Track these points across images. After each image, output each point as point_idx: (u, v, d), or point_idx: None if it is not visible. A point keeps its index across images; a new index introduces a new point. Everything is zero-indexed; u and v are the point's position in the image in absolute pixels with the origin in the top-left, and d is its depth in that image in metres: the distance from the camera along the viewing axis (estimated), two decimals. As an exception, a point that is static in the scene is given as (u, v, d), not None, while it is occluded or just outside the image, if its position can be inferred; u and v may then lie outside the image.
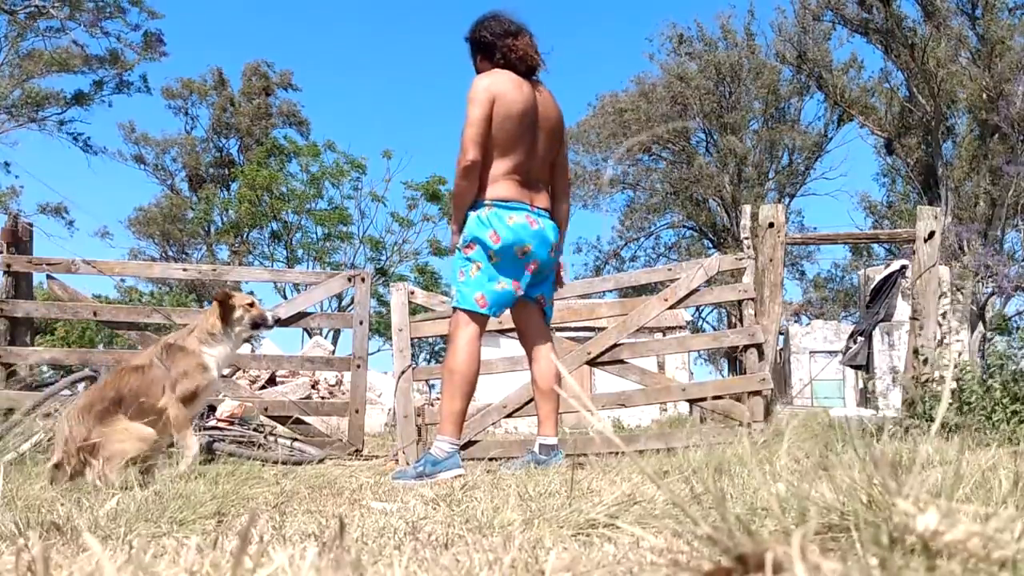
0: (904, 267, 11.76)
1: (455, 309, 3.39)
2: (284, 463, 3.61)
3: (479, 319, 3.37)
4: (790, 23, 28.99)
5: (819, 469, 1.33)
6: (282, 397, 7.34)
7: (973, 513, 0.85)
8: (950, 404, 4.65)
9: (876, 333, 13.93)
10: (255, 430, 4.68)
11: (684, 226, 33.37)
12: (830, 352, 21.19)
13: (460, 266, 3.39)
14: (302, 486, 2.64)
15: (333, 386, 9.21)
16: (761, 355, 4.87)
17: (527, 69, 3.42)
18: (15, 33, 25.24)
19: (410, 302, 5.10)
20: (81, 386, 4.18)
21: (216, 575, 0.98)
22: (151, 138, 33.81)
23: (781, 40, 29.43)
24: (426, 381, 13.18)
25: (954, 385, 4.75)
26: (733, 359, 23.76)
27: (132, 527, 1.62)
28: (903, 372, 5.18)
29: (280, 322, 5.27)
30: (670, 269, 5.35)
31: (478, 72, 3.46)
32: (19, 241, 5.19)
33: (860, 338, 12.88)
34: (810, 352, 22.93)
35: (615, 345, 4.90)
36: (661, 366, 17.92)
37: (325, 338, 18.39)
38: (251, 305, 3.23)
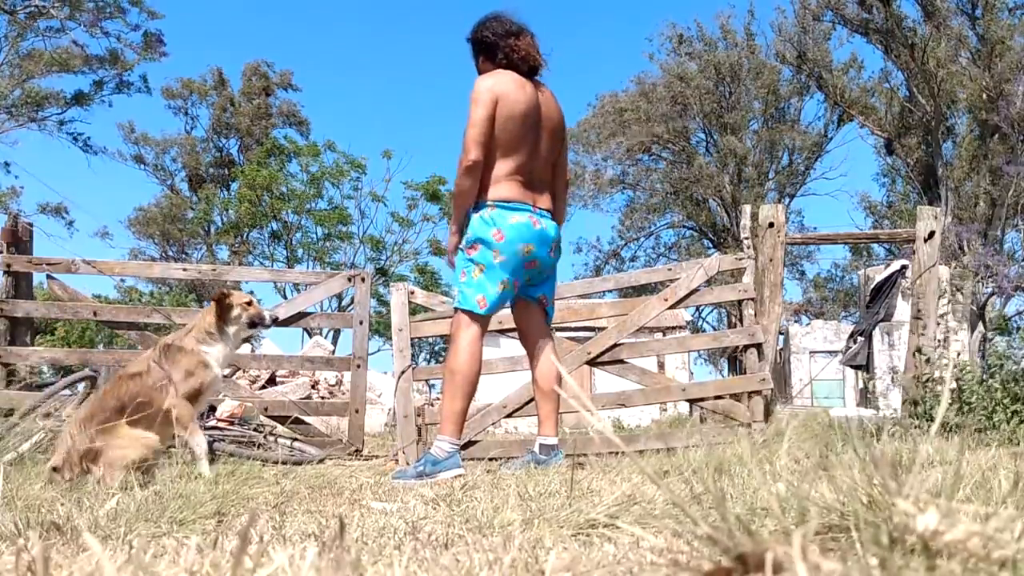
0: (904, 267, 11.77)
1: (456, 310, 3.39)
2: (284, 463, 3.61)
3: (481, 320, 3.37)
4: (790, 23, 29.01)
5: (819, 469, 1.33)
6: (282, 397, 7.34)
7: (973, 513, 0.85)
8: (950, 404, 4.65)
9: (876, 333, 13.94)
10: (255, 430, 4.69)
11: (684, 226, 33.38)
12: (830, 352, 21.19)
13: (463, 267, 3.39)
14: (302, 486, 2.64)
15: (333, 386, 9.21)
16: (761, 355, 4.87)
17: (530, 69, 3.43)
18: (15, 33, 25.24)
19: (410, 302, 5.10)
20: (81, 386, 4.18)
21: (216, 575, 0.98)
22: (151, 138, 33.83)
23: (781, 40, 29.44)
24: (426, 381, 13.18)
25: (954, 385, 4.75)
26: (733, 359, 23.77)
27: (132, 527, 1.62)
28: (903, 372, 5.18)
29: (280, 322, 5.28)
30: (670, 269, 5.35)
31: (480, 73, 3.46)
32: (19, 241, 5.19)
33: (860, 338, 12.89)
34: (810, 352, 22.93)
35: (615, 345, 4.90)
36: (661, 366, 17.92)
37: (325, 338, 18.39)
38: (249, 304, 3.22)
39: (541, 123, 3.41)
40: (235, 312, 3.17)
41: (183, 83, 33.75)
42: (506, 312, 3.85)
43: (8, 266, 5.03)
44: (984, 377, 4.66)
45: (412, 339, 5.00)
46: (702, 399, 5.12)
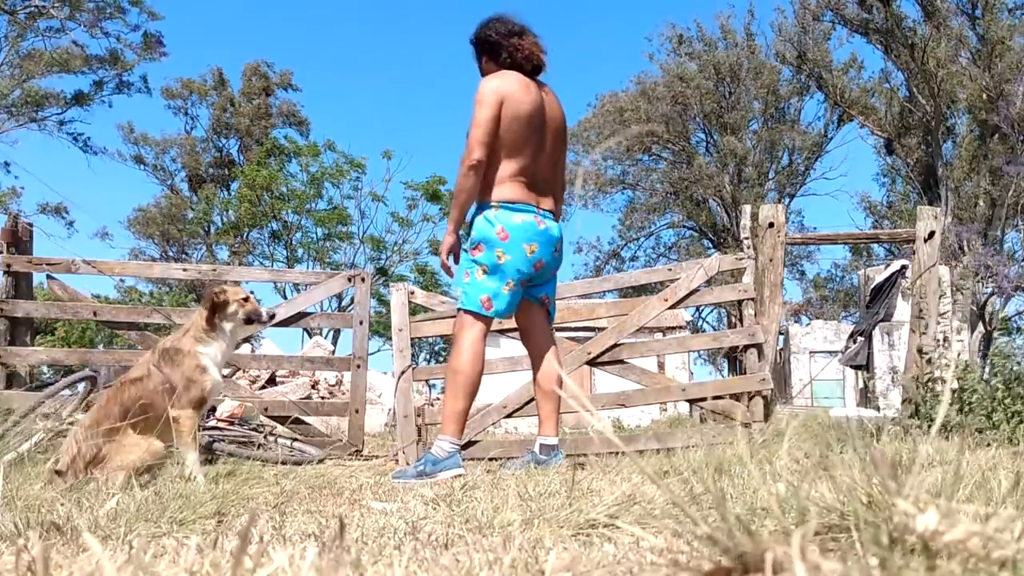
0: (904, 267, 11.77)
1: (460, 310, 3.39)
2: (284, 463, 3.61)
3: (484, 320, 3.37)
4: (790, 23, 29.02)
5: (819, 469, 1.33)
6: (282, 397, 7.34)
7: (973, 513, 0.85)
8: (951, 404, 4.65)
9: (876, 333, 13.94)
10: (255, 430, 4.68)
11: (684, 226, 33.38)
12: (830, 352, 21.20)
13: (466, 267, 3.39)
14: (302, 486, 2.64)
15: (333, 386, 9.20)
16: (761, 355, 4.86)
17: (533, 68, 3.44)
18: (15, 33, 25.24)
19: (410, 302, 5.10)
20: (81, 386, 4.17)
21: (216, 575, 0.98)
22: (151, 138, 33.84)
23: (781, 40, 29.44)
24: (426, 381, 13.18)
25: (955, 385, 4.75)
26: (733, 359, 23.76)
27: (132, 527, 1.62)
28: (903, 372, 5.18)
29: (280, 322, 5.28)
30: (670, 269, 5.35)
31: (483, 74, 3.47)
32: (19, 241, 5.19)
33: (860, 338, 12.89)
34: (810, 352, 22.94)
35: (615, 345, 4.90)
36: (661, 366, 17.92)
37: (325, 338, 18.39)
38: (245, 300, 3.20)
39: (545, 124, 3.42)
40: (231, 308, 3.14)
41: (183, 83, 33.76)
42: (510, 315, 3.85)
43: (8, 266, 5.03)
44: (987, 378, 4.66)
45: (412, 339, 4.99)
46: (702, 399, 5.12)
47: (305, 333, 21.58)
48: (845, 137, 48.69)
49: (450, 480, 2.91)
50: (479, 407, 4.97)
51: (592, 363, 4.94)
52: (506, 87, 3.30)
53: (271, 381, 8.56)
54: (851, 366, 13.96)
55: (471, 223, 3.43)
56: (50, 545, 1.41)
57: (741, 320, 5.15)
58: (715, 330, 26.75)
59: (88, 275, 5.37)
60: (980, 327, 23.80)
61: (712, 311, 32.35)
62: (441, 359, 32.33)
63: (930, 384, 4.84)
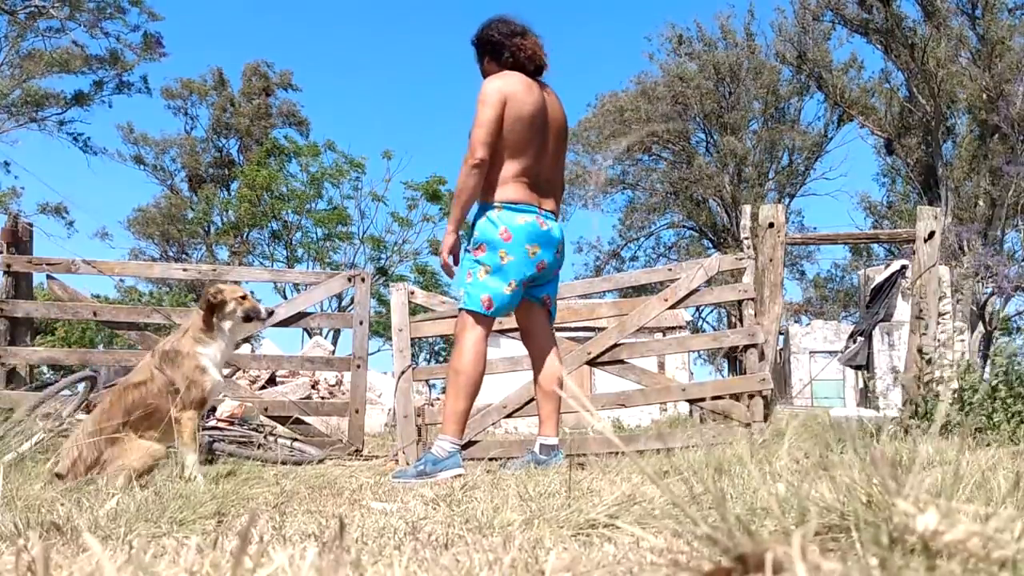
0: (904, 267, 11.77)
1: (462, 310, 3.39)
2: (284, 463, 3.61)
3: (486, 321, 3.37)
4: (790, 23, 29.02)
5: (819, 469, 1.33)
6: (282, 397, 7.34)
7: (973, 513, 0.85)
8: (951, 404, 4.65)
9: (876, 333, 13.94)
10: (255, 430, 4.68)
11: (684, 226, 33.39)
12: (830, 352, 21.20)
13: (468, 268, 3.39)
14: (302, 486, 2.64)
15: (333, 386, 9.20)
16: (761, 355, 4.86)
17: (536, 68, 3.44)
18: (15, 33, 25.24)
19: (410, 302, 5.10)
20: (81, 386, 4.17)
21: (216, 575, 0.98)
22: (150, 138, 33.85)
23: (781, 40, 29.44)
24: (426, 381, 13.18)
25: (956, 385, 4.75)
26: (733, 359, 23.77)
27: (132, 527, 1.62)
28: (904, 371, 5.18)
29: (280, 322, 5.28)
30: (670, 269, 5.35)
31: (484, 75, 3.47)
32: (19, 241, 5.19)
33: (860, 338, 12.89)
34: (810, 352, 22.94)
35: (615, 345, 4.90)
36: (661, 366, 17.92)
37: (325, 338, 18.39)
38: (243, 298, 3.19)
39: (548, 124, 3.42)
40: (229, 307, 3.13)
41: (183, 83, 33.76)
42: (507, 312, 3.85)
43: (8, 266, 5.03)
44: (987, 378, 4.66)
45: (412, 339, 4.99)
46: (702, 399, 5.12)
47: (305, 333, 21.58)
48: (845, 137, 48.70)
49: (450, 480, 2.91)
50: (479, 407, 4.97)
51: (592, 363, 4.94)
52: (509, 87, 3.30)
53: (271, 381, 8.55)
54: (851, 366, 13.96)
55: (473, 224, 3.42)
56: (50, 545, 1.41)
57: (741, 320, 5.15)
58: (715, 330, 26.75)
59: (88, 275, 5.38)
60: (980, 327, 23.80)
61: (712, 311, 32.37)
62: (441, 359, 32.33)
63: (931, 384, 4.84)
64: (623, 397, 5.04)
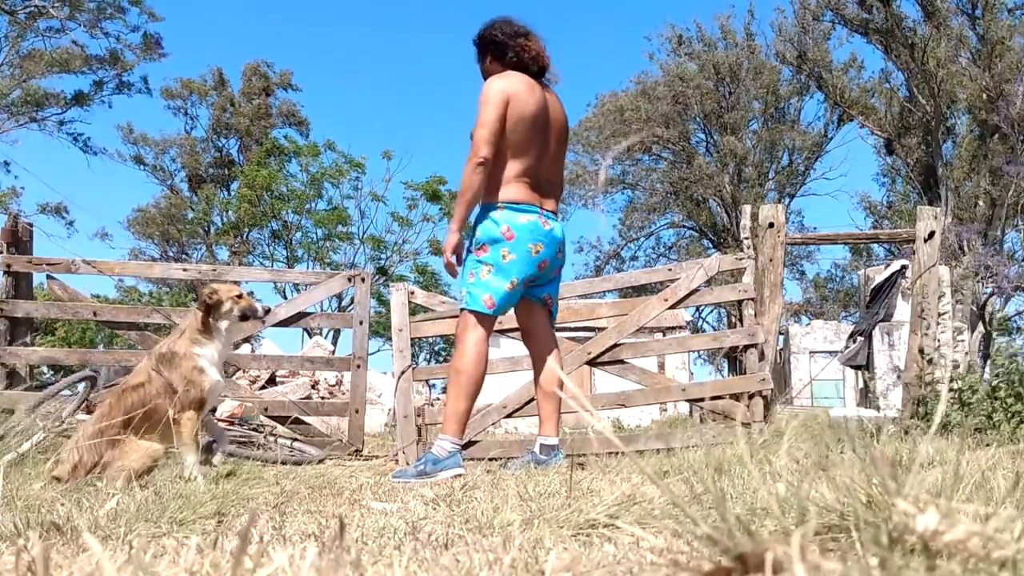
0: (904, 267, 11.77)
1: (463, 310, 3.38)
2: (284, 463, 3.61)
3: (487, 321, 3.37)
4: (790, 23, 29.01)
5: (819, 469, 1.33)
6: (282, 397, 7.34)
7: (973, 513, 0.85)
8: (952, 404, 4.65)
9: (876, 333, 13.94)
10: (255, 430, 4.69)
11: (684, 226, 33.39)
12: (830, 352, 21.20)
13: (471, 268, 3.38)
14: (302, 486, 2.64)
15: (333, 386, 9.20)
16: (761, 355, 4.86)
17: (539, 70, 3.44)
18: (15, 33, 25.24)
19: (410, 302, 5.10)
20: (81, 386, 4.17)
21: (216, 575, 0.98)
22: (150, 138, 33.84)
23: (781, 40, 29.44)
24: (426, 381, 13.18)
25: (957, 385, 4.75)
26: (733, 359, 23.77)
27: (132, 527, 1.62)
28: (905, 371, 5.18)
29: (280, 322, 5.28)
30: (670, 269, 5.35)
31: (486, 74, 3.47)
32: (19, 241, 5.19)
33: (860, 338, 12.90)
34: (810, 352, 22.94)
35: (615, 345, 4.90)
36: (661, 366, 17.92)
37: (325, 338, 18.39)
38: (239, 297, 3.18)
39: (549, 125, 3.43)
40: (226, 307, 3.12)
41: (183, 83, 33.76)
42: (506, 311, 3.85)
43: (8, 266, 5.03)
44: (987, 378, 4.66)
45: (412, 339, 4.99)
46: (702, 399, 5.12)
47: (305, 333, 21.58)
48: (845, 137, 48.71)
49: (450, 480, 2.91)
50: (479, 407, 4.97)
51: (592, 363, 4.94)
52: (512, 87, 3.30)
53: (271, 381, 8.55)
54: (851, 366, 13.97)
55: (475, 224, 3.42)
56: (50, 545, 1.41)
57: (741, 320, 5.15)
58: (715, 330, 26.75)
59: (88, 275, 5.38)
60: (980, 327, 23.80)
61: (712, 311, 32.36)
62: (441, 359, 32.33)
63: (931, 384, 4.84)
64: (623, 397, 5.04)
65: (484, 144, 3.23)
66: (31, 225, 5.50)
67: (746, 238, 5.15)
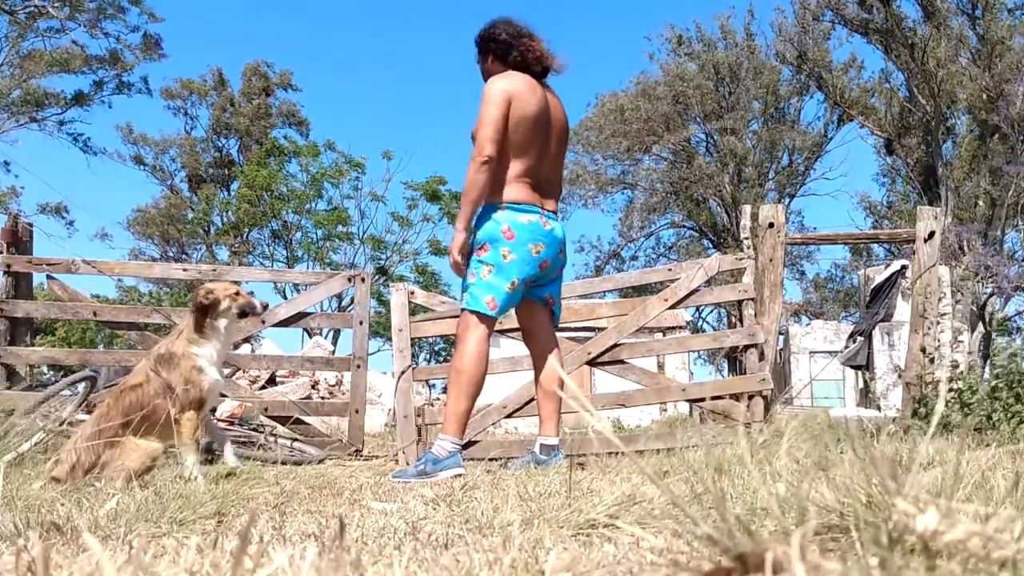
0: (904, 267, 11.77)
1: (464, 310, 3.38)
2: (284, 463, 3.61)
3: (488, 321, 3.36)
4: (790, 23, 29.01)
5: (819, 469, 1.33)
6: (282, 397, 7.34)
7: (973, 513, 0.85)
8: (951, 404, 4.65)
9: (876, 333, 13.94)
10: (255, 430, 4.69)
11: (684, 226, 33.38)
12: (830, 352, 21.19)
13: (472, 267, 3.38)
14: (302, 486, 2.63)
15: (333, 386, 9.20)
16: (761, 355, 4.86)
17: (542, 70, 3.45)
18: (15, 33, 25.24)
19: (410, 302, 5.10)
20: (81, 386, 4.17)
21: (216, 575, 0.98)
22: (150, 138, 33.84)
23: (781, 40, 29.44)
24: (426, 381, 13.18)
25: (957, 385, 4.75)
26: (733, 359, 23.76)
27: (132, 527, 1.62)
28: (905, 371, 5.18)
29: (280, 322, 5.28)
30: (670, 269, 5.35)
31: (487, 74, 3.47)
32: (19, 241, 5.19)
33: (860, 338, 12.90)
34: (810, 352, 22.94)
35: (615, 345, 4.90)
36: (661, 366, 17.92)
37: (325, 338, 18.39)
38: (237, 294, 3.16)
39: (550, 125, 3.43)
40: (223, 305, 3.10)
41: (183, 83, 33.75)
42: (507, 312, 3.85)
43: (8, 266, 5.03)
44: (987, 377, 4.66)
45: (412, 339, 4.99)
46: (702, 399, 5.12)
47: (305, 333, 21.58)
48: (845, 137, 48.76)
49: (450, 480, 2.91)
50: (479, 407, 4.97)
51: (592, 363, 4.94)
52: (514, 87, 3.30)
53: (271, 381, 8.56)
54: (851, 366, 13.97)
55: (476, 224, 3.42)
56: (50, 545, 1.41)
57: (741, 320, 5.15)
58: (715, 330, 26.75)
59: (88, 275, 5.38)
60: (980, 327, 23.80)
61: (712, 311, 32.37)
62: (441, 359, 32.33)
63: (932, 384, 4.84)
64: (623, 397, 5.04)
65: (489, 143, 3.22)
66: (31, 225, 5.50)
67: (746, 238, 5.15)
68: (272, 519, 1.83)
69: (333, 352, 11.41)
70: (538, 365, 3.56)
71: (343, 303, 26.63)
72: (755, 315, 4.96)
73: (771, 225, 5.05)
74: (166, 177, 34.58)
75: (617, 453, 3.56)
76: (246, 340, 7.11)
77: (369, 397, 8.14)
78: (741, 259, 5.07)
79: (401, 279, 28.95)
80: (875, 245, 25.98)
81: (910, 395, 5.00)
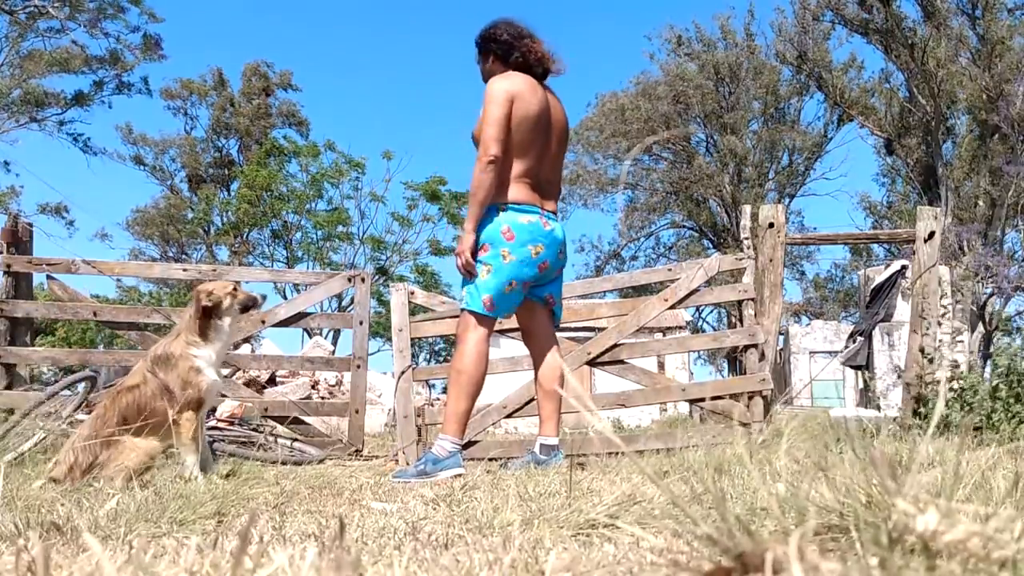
0: (904, 267, 11.78)
1: (464, 311, 3.38)
2: (284, 463, 3.61)
3: (487, 321, 3.37)
4: (790, 23, 29.02)
5: (818, 469, 1.33)
6: (282, 397, 7.34)
7: (973, 513, 0.85)
8: (952, 404, 4.64)
9: (876, 333, 13.94)
10: (255, 430, 4.69)
11: (684, 226, 33.39)
12: (830, 352, 21.19)
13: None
14: (302, 486, 2.64)
15: (333, 386, 9.20)
16: (761, 355, 4.86)
17: (543, 72, 3.45)
18: (15, 33, 25.24)
19: (410, 302, 5.10)
20: (81, 386, 4.17)
21: (216, 575, 0.98)
22: (150, 139, 33.84)
23: (781, 40, 29.45)
24: (426, 381, 13.18)
25: (957, 385, 4.75)
26: (733, 359, 23.75)
27: (132, 527, 1.62)
28: (905, 371, 5.18)
29: (280, 322, 5.28)
30: (670, 269, 5.35)
31: (488, 74, 3.47)
32: (19, 241, 5.19)
33: (859, 338, 12.91)
34: (810, 352, 22.93)
35: (615, 345, 4.90)
36: (661, 366, 17.92)
37: (325, 338, 18.39)
38: (235, 290, 3.15)
39: (551, 126, 3.43)
40: (226, 303, 3.09)
41: (182, 83, 33.74)
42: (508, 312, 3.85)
43: (8, 266, 5.02)
44: (987, 377, 4.66)
45: (412, 339, 4.99)
46: (702, 399, 5.12)
47: (305, 333, 21.57)
48: (845, 137, 48.76)
49: (450, 480, 2.91)
50: (479, 407, 4.97)
51: (592, 363, 4.94)
52: (515, 87, 3.31)
53: (271, 381, 8.56)
54: (850, 366, 13.98)
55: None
56: (50, 545, 1.41)
57: (741, 320, 5.15)
58: (715, 330, 26.74)
59: (88, 275, 5.38)
60: (980, 327, 23.80)
61: (712, 311, 32.37)
62: (441, 359, 32.32)
63: (931, 384, 4.84)
64: (623, 397, 5.04)
65: (494, 142, 3.23)
66: (31, 225, 5.50)
67: (746, 238, 5.15)
68: (272, 519, 1.83)
69: (333, 352, 11.41)
70: (538, 365, 3.56)
71: (343, 303, 26.62)
72: (755, 315, 4.96)
73: (771, 225, 5.05)
74: (166, 177, 34.60)
75: (617, 453, 3.56)
76: (246, 340, 7.11)
77: (369, 397, 8.14)
78: (741, 259, 5.07)
79: (401, 279, 28.95)
80: (875, 245, 26.00)
81: (910, 395, 5.00)
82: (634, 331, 4.97)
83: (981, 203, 24.96)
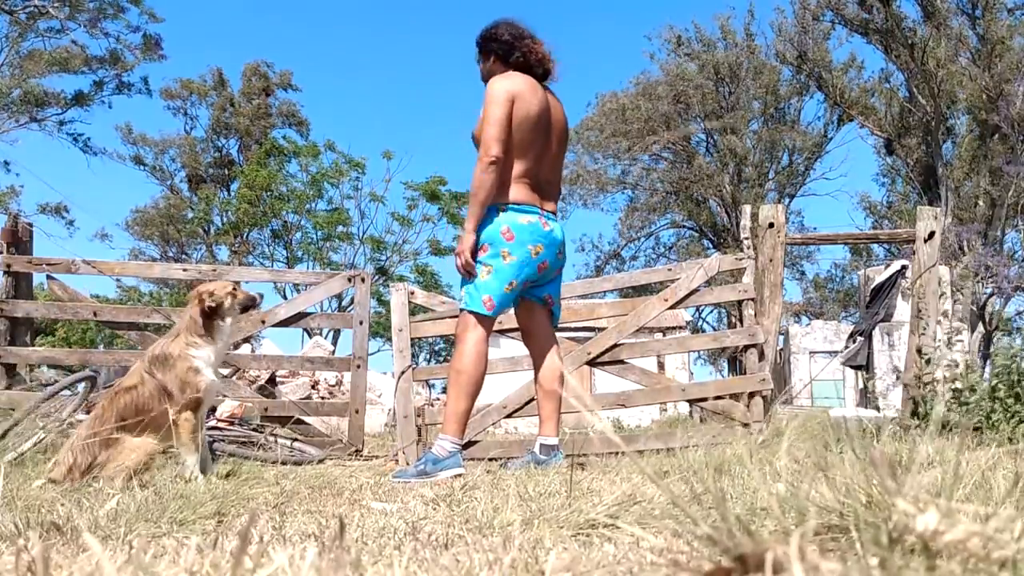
0: (904, 267, 11.78)
1: (463, 311, 3.38)
2: (284, 463, 3.61)
3: (487, 321, 3.37)
4: (790, 23, 29.02)
5: (818, 469, 1.33)
6: (282, 397, 7.33)
7: (973, 513, 0.85)
8: (951, 404, 4.64)
9: (876, 333, 13.94)
10: (255, 430, 4.68)
11: (684, 226, 33.39)
12: (830, 352, 21.19)
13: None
14: (302, 486, 2.64)
15: (333, 386, 9.20)
16: (761, 355, 4.86)
17: (544, 72, 3.45)
18: (15, 33, 25.24)
19: (410, 302, 5.10)
20: (81, 386, 4.17)
21: (216, 575, 0.98)
22: (150, 139, 33.83)
23: (781, 40, 29.45)
24: (426, 381, 13.18)
25: (956, 385, 4.75)
26: (733, 359, 23.75)
27: (132, 527, 1.62)
28: (904, 371, 5.18)
29: (280, 322, 5.28)
30: (670, 269, 5.35)
31: (488, 74, 3.47)
32: (19, 241, 5.19)
33: (859, 338, 12.91)
34: (810, 352, 22.93)
35: (615, 345, 4.89)
36: (661, 366, 17.92)
37: (325, 338, 18.39)
38: (235, 290, 3.16)
39: (551, 126, 3.44)
40: (227, 304, 3.10)
41: (182, 83, 33.73)
42: (508, 312, 3.85)
43: (8, 266, 5.02)
44: (987, 377, 4.65)
45: (412, 339, 4.99)
46: (702, 399, 5.12)
47: (305, 333, 21.58)
48: (845, 137, 48.83)
49: (450, 480, 2.91)
50: (479, 407, 4.97)
51: (592, 363, 4.94)
52: (516, 87, 3.31)
53: (271, 381, 8.55)
54: (850, 366, 13.98)
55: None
56: (50, 545, 1.41)
57: (741, 320, 5.15)
58: (715, 330, 26.75)
59: (88, 275, 5.37)
60: (980, 327, 23.80)
61: (712, 311, 32.36)
62: (441, 359, 32.31)
63: (931, 384, 4.84)
64: (623, 397, 5.04)
65: (495, 142, 3.22)
66: (31, 225, 5.50)
67: (746, 238, 5.15)
68: (272, 519, 1.83)
69: (333, 352, 11.41)
70: (538, 365, 3.56)
71: (343, 303, 26.62)
72: (755, 315, 4.96)
73: (771, 225, 5.05)
74: (166, 177, 34.59)
75: (617, 453, 3.56)
76: (246, 340, 7.10)
77: (369, 397, 8.14)
78: (741, 259, 5.07)
79: (401, 279, 28.95)
80: (875, 245, 26.00)
81: (909, 395, 5.00)
82: (634, 331, 4.97)
83: (981, 203, 24.96)
